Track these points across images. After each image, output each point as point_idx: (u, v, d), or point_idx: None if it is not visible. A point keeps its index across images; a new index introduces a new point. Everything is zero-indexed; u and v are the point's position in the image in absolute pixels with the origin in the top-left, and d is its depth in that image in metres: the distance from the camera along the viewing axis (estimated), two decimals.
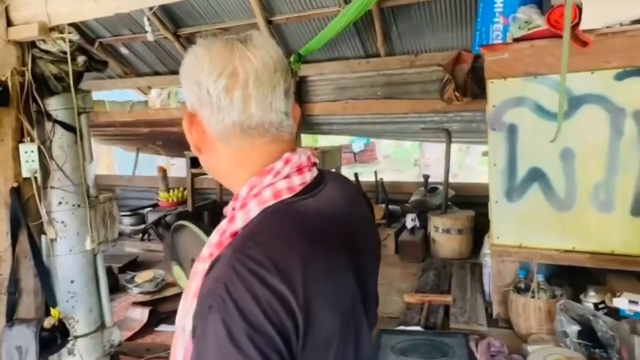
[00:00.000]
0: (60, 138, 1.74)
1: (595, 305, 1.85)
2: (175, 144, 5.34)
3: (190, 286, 0.70)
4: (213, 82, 0.69)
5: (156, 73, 4.68)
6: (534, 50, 1.95)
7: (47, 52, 1.64)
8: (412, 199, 3.54)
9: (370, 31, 3.69)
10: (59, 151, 1.73)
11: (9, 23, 1.50)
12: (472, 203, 3.32)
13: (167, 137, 5.28)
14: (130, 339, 2.17)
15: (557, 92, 1.80)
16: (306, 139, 5.82)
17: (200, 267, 0.68)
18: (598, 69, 1.83)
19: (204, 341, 0.60)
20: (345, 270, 0.71)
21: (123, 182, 5.33)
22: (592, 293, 1.89)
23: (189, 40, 4.21)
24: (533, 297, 1.89)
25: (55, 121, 1.70)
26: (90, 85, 4.37)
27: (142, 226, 3.89)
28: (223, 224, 0.70)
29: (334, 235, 0.71)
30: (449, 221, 3.13)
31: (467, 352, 1.74)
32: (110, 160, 8.28)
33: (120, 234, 2.75)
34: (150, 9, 3.00)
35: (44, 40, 1.60)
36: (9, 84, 1.48)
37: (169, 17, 3.95)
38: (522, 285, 2.00)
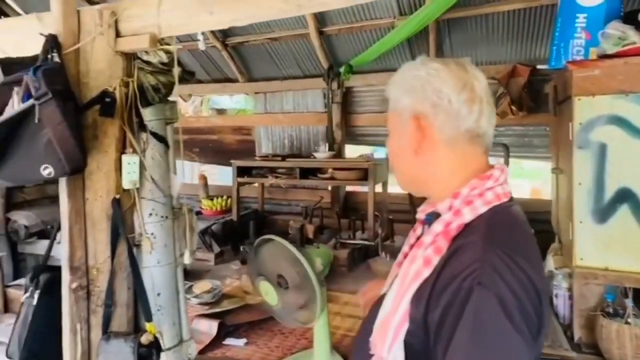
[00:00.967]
0: (152, 149, 1.73)
1: None
2: (212, 151, 5.35)
3: (409, 269, 0.79)
4: (457, 94, 0.80)
5: (198, 81, 4.70)
6: (628, 67, 1.90)
7: (148, 62, 1.64)
8: None
9: (423, 43, 3.67)
10: (151, 162, 1.72)
11: (117, 34, 1.49)
12: (531, 220, 3.25)
13: (204, 144, 5.29)
14: (200, 352, 2.14)
15: None
16: None
17: (421, 253, 0.78)
18: None
19: (470, 315, 0.66)
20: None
21: None
22: None
23: (236, 49, 4.22)
24: (628, 323, 1.82)
25: (150, 132, 1.69)
26: None
27: None
28: (446, 216, 0.79)
29: (534, 241, 0.81)
30: None
31: None
32: None
33: None
34: None
35: (146, 52, 1.60)
36: (117, 95, 1.47)
37: None
38: (611, 310, 1.93)
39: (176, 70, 1.60)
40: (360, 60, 3.65)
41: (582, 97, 2.01)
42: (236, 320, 2.39)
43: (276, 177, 3.79)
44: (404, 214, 3.82)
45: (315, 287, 1.68)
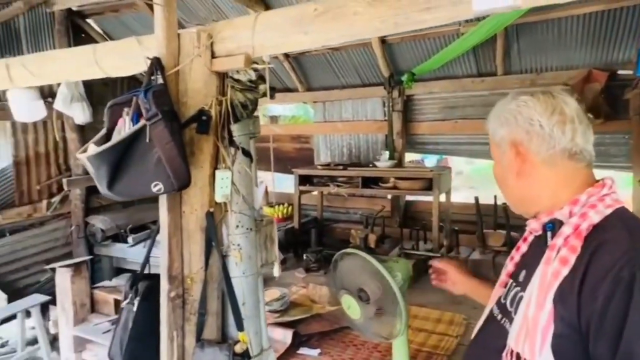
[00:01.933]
0: (239, 163, 1.79)
1: None
2: (267, 159, 5.46)
3: (547, 270, 0.84)
4: (547, 119, 0.90)
5: None
6: None
7: (237, 81, 1.71)
8: None
9: (488, 49, 3.57)
10: (238, 176, 1.78)
11: (212, 55, 1.56)
12: None
13: (262, 152, 5.41)
14: None
15: None
16: None
17: (554, 255, 0.85)
18: None
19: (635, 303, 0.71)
20: None
21: None
22: None
23: (297, 60, 4.30)
24: None
25: (238, 147, 1.76)
26: None
27: None
28: (573, 220, 0.86)
29: None
30: None
31: None
32: None
33: None
34: None
35: (237, 71, 1.66)
36: (212, 112, 1.54)
37: None
38: None
39: (267, 87, 1.65)
40: (423, 68, 3.62)
41: None
42: (308, 329, 2.41)
43: (338, 185, 3.81)
44: (468, 225, 3.72)
45: (399, 301, 1.67)
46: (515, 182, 0.97)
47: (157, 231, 1.67)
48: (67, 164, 4.38)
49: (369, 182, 3.74)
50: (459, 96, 3.93)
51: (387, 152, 4.03)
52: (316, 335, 2.40)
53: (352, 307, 1.76)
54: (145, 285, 1.64)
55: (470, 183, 11.58)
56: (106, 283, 3.04)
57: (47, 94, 3.91)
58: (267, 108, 6.55)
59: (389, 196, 4.20)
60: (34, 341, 3.51)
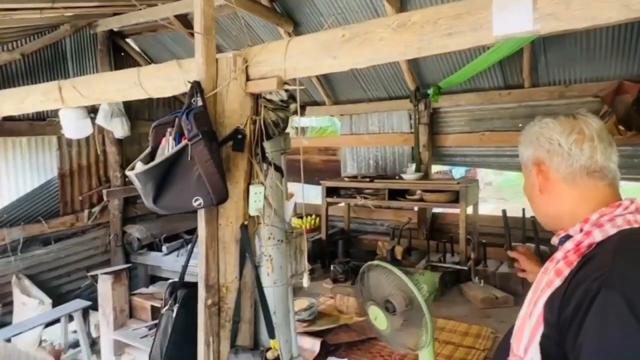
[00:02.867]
0: (271, 178, 1.89)
1: None
2: (298, 170, 5.57)
3: (542, 279, 0.92)
4: (565, 138, 0.97)
5: None
6: None
7: (269, 101, 1.82)
8: None
9: (515, 62, 3.58)
10: (269, 190, 1.88)
11: (247, 77, 1.67)
12: None
13: (290, 164, 5.51)
14: None
15: None
16: None
17: (552, 266, 0.91)
18: None
19: (598, 312, 0.77)
20: None
21: None
22: None
23: (325, 75, 4.41)
24: None
25: (270, 163, 1.86)
26: None
27: None
28: (577, 237, 0.91)
29: None
30: None
31: None
32: None
33: None
34: None
35: (269, 92, 1.77)
36: (247, 131, 1.65)
37: None
38: None
39: (298, 107, 1.75)
40: (449, 82, 3.65)
41: None
42: (336, 339, 2.47)
43: (364, 197, 3.87)
44: (496, 237, 3.70)
45: (425, 314, 1.71)
46: (540, 199, 1.04)
47: (195, 241, 1.78)
48: (106, 176, 4.62)
49: (395, 194, 3.78)
50: (485, 109, 3.94)
51: (414, 165, 4.07)
52: (344, 345, 2.45)
53: (379, 318, 1.81)
54: (184, 293, 1.75)
55: (499, 194, 11.39)
56: (143, 290, 3.19)
57: (90, 109, 4.16)
58: (296, 120, 6.68)
59: (416, 208, 4.22)
60: (75, 344, 3.70)
